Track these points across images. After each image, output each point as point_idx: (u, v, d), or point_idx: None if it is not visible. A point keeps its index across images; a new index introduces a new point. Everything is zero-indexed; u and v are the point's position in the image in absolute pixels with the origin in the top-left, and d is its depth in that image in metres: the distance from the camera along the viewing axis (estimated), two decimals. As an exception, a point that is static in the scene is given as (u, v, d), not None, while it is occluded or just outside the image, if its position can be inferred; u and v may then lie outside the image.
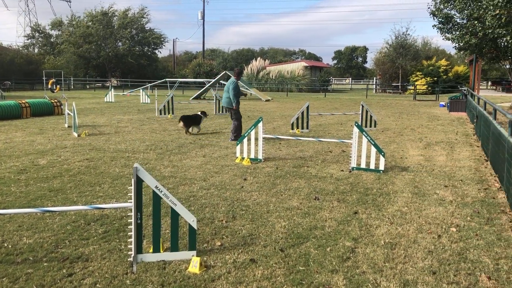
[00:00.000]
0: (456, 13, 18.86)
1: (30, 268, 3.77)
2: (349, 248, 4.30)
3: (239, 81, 11.27)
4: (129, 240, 4.07)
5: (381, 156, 7.54)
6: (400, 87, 43.65)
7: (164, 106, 17.63)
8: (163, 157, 8.79)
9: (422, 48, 47.20)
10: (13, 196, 5.93)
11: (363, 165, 7.72)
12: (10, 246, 4.23)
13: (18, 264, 3.84)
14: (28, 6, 74.47)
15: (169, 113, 17.58)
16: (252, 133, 8.50)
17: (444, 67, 43.44)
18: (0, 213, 4.19)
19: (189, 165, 8.10)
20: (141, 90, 28.16)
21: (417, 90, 36.86)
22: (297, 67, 48.10)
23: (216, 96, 18.82)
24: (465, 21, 18.72)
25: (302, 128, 13.07)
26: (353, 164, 7.79)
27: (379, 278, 3.68)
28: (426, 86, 40.31)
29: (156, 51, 61.05)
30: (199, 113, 12.64)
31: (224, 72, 32.81)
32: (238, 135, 10.74)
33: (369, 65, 79.29)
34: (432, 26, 22.52)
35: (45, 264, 3.86)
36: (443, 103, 25.23)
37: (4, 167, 7.74)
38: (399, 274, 3.76)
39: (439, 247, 4.35)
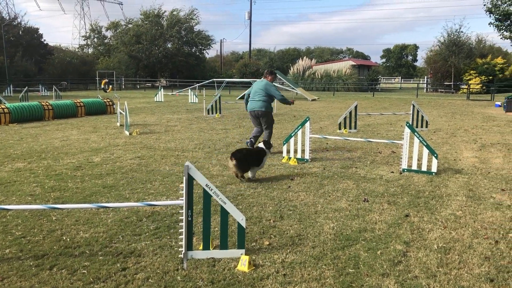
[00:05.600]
0: (514, 8, 17.98)
1: (87, 261, 3.92)
2: (400, 251, 4.19)
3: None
4: (179, 237, 4.16)
5: (433, 157, 7.30)
6: (452, 86, 42.12)
7: (212, 105, 17.89)
8: (211, 156, 8.91)
9: (476, 46, 45.30)
10: (70, 191, 6.20)
11: (414, 167, 7.51)
12: (68, 240, 4.42)
13: (76, 257, 4.01)
14: (83, 9, 77.90)
15: (216, 113, 17.83)
16: (299, 133, 8.45)
17: (501, 65, 41.47)
18: (60, 208, 4.40)
19: (236, 164, 8.16)
20: (189, 90, 28.66)
21: (470, 90, 35.45)
22: (344, 66, 47.46)
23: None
24: (524, 17, 17.80)
25: (350, 128, 12.88)
26: (404, 165, 7.59)
27: (433, 284, 3.56)
28: (481, 85, 38.67)
29: (204, 52, 62.16)
30: (260, 145, 7.36)
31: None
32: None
33: (420, 63, 76.97)
34: (488, 23, 21.48)
35: (101, 258, 4.01)
36: (499, 103, 24.09)
37: (62, 163, 8.11)
38: (453, 280, 3.62)
39: (497, 254, 4.15)
